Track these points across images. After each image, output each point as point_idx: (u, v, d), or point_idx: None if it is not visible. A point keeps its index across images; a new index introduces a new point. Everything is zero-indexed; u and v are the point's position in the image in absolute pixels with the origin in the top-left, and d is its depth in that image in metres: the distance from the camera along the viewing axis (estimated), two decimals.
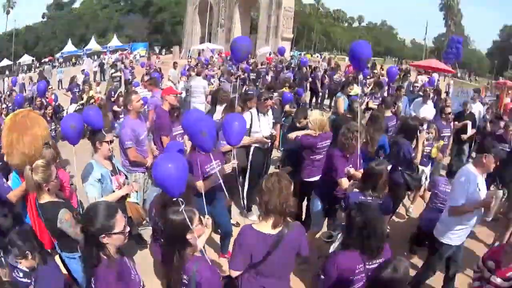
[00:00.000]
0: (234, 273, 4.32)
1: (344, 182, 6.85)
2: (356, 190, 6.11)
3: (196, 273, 3.90)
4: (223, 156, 7.13)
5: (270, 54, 43.60)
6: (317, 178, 7.82)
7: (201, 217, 4.71)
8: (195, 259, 4.08)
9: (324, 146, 7.86)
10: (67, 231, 5.08)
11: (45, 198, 5.26)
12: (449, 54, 27.36)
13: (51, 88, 20.59)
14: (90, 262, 3.73)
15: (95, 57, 61.39)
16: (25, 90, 32.42)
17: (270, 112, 9.48)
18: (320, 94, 23.53)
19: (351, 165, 7.02)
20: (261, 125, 9.07)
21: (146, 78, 19.78)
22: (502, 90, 19.81)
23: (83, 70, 33.53)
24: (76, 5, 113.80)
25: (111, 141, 6.67)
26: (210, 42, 63.09)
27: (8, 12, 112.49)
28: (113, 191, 6.47)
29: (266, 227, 4.20)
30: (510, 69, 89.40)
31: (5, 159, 6.92)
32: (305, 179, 8.08)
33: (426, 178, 9.17)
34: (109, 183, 6.47)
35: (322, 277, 4.44)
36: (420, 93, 16.73)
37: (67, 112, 17.21)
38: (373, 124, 8.68)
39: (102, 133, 6.52)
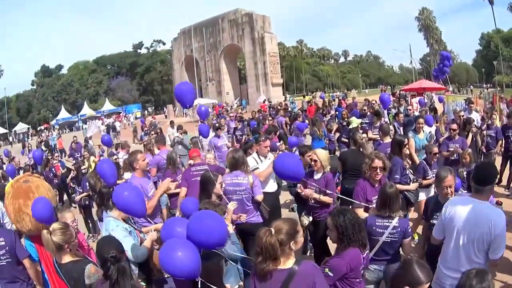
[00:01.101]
0: None
1: (360, 213, 6.87)
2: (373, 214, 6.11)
3: None
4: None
5: (264, 102, 44.28)
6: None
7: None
8: None
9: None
10: None
11: (66, 259, 5.22)
12: (438, 71, 27.64)
13: (57, 155, 20.73)
14: None
15: (96, 120, 61.87)
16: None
17: (270, 154, 9.45)
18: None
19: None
20: (263, 167, 9.08)
21: (145, 138, 20.02)
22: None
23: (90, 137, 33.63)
24: (64, 71, 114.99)
25: None
26: (202, 97, 63.75)
27: None
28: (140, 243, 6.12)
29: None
30: (496, 74, 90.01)
31: (14, 227, 6.90)
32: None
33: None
34: (135, 237, 6.20)
35: (331, 274, 4.67)
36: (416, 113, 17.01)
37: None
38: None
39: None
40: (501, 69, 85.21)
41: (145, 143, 16.53)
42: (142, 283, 5.49)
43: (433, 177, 9.18)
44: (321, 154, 7.81)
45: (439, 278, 5.18)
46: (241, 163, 8.03)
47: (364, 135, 12.46)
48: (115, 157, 15.22)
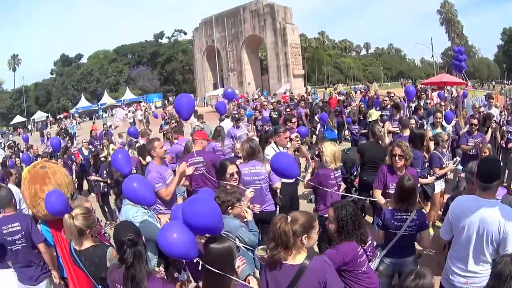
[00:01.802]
0: None
1: (376, 193, 7.38)
2: (390, 207, 6.12)
3: None
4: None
5: (285, 93, 44.11)
6: None
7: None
8: (240, 286, 4.13)
9: (338, 177, 7.79)
10: None
11: (86, 244, 5.22)
12: (455, 66, 27.53)
13: (85, 142, 20.83)
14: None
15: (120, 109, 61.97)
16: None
17: (289, 144, 9.30)
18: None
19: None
20: None
21: (165, 127, 20.00)
22: None
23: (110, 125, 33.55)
24: (83, 60, 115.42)
25: None
26: (223, 87, 62.80)
27: (14, 69, 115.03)
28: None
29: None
30: None
31: (30, 212, 6.92)
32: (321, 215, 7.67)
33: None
34: (155, 219, 6.40)
35: None
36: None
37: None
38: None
39: None
40: None
41: (164, 132, 16.50)
42: (161, 268, 5.49)
43: (447, 166, 9.50)
44: (328, 149, 7.69)
45: (447, 274, 5.13)
46: (257, 152, 8.12)
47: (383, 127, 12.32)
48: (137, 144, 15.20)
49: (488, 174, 4.76)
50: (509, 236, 4.53)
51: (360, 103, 21.07)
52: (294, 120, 12.21)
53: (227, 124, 15.94)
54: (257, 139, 10.82)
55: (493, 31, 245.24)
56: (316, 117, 20.49)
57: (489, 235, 4.62)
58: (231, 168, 7.03)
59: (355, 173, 10.60)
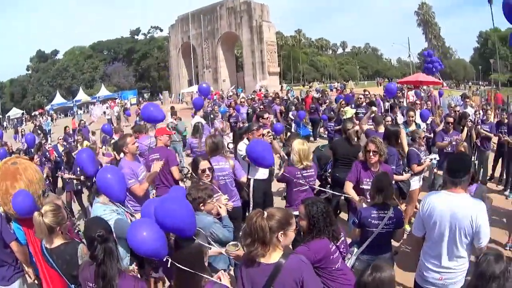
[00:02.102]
0: None
1: (348, 185, 7.36)
2: (365, 205, 6.18)
3: None
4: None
5: (260, 90, 44.30)
6: None
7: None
8: (211, 283, 4.05)
9: (307, 176, 7.62)
10: None
11: (57, 242, 5.12)
12: (428, 69, 27.89)
13: (61, 139, 20.55)
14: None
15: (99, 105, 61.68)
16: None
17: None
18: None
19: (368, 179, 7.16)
20: None
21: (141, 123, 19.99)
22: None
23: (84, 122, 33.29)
24: (59, 56, 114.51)
25: None
26: (198, 84, 62.95)
27: None
28: None
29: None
30: (493, 72, 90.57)
31: (0, 210, 6.74)
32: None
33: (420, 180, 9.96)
34: (125, 217, 6.30)
35: None
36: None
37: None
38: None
39: None
40: (498, 67, 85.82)
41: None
42: (134, 266, 5.43)
43: (424, 162, 9.69)
44: (295, 147, 7.59)
45: (421, 270, 5.14)
46: (221, 147, 8.23)
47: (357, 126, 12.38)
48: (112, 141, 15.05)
49: (456, 168, 4.81)
50: (482, 229, 4.58)
51: (341, 100, 21.18)
52: (266, 116, 12.30)
53: (198, 120, 15.84)
54: (231, 136, 10.92)
55: (469, 34, 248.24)
56: (290, 115, 20.61)
57: (461, 230, 4.66)
58: (203, 164, 6.91)
59: (329, 170, 10.63)
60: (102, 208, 6.02)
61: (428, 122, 14.09)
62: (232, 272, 5.86)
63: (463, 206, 4.66)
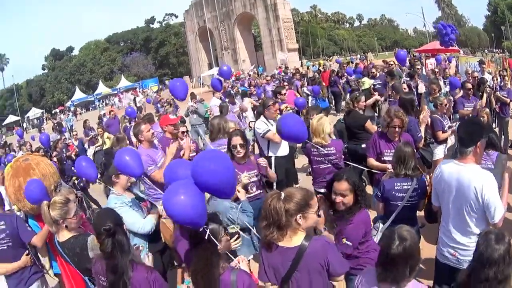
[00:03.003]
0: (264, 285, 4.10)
1: (371, 161, 7.36)
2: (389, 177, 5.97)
3: (237, 283, 3.72)
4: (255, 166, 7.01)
5: (280, 67, 44.92)
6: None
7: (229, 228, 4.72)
8: (229, 268, 3.88)
9: (326, 154, 7.37)
10: None
11: (65, 235, 5.13)
12: (444, 42, 27.49)
13: (75, 135, 20.61)
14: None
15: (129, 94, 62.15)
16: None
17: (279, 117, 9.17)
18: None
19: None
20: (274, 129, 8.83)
21: (161, 110, 20.06)
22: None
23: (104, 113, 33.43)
24: (75, 52, 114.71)
25: None
26: (218, 66, 63.04)
27: (2, 69, 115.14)
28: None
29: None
30: (505, 40, 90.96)
31: (15, 207, 6.80)
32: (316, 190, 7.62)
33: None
34: (140, 209, 6.22)
35: (350, 243, 4.63)
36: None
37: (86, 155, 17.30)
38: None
39: (114, 167, 6.16)
40: (509, 35, 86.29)
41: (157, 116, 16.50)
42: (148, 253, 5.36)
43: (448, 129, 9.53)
44: (312, 123, 7.44)
45: (439, 244, 5.06)
46: (222, 129, 8.27)
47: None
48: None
49: (464, 137, 4.64)
50: (491, 203, 4.37)
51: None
52: (284, 92, 12.31)
53: (216, 102, 16.15)
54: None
55: (480, 1, 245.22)
56: (305, 89, 20.44)
57: (467, 203, 4.52)
58: (235, 140, 6.75)
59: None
60: (114, 201, 5.94)
61: (447, 89, 13.90)
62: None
63: (467, 177, 4.50)
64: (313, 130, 7.29)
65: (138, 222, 5.87)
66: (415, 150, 6.24)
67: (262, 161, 6.89)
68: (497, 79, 15.91)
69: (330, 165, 7.33)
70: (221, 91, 15.28)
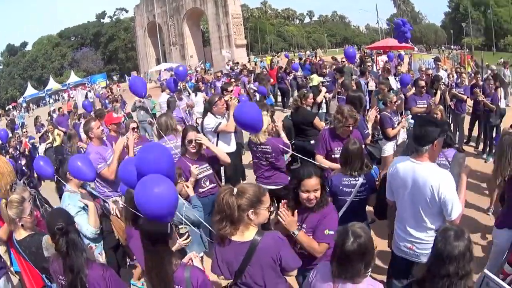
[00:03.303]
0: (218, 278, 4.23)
1: (318, 158, 7.23)
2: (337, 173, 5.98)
3: (191, 279, 3.76)
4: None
5: (227, 63, 44.94)
6: (272, 187, 7.37)
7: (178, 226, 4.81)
8: (182, 265, 3.90)
9: (262, 152, 7.46)
10: None
11: (22, 234, 5.16)
12: (400, 37, 27.87)
13: (26, 132, 20.30)
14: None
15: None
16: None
17: (227, 114, 9.49)
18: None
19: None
20: (224, 122, 9.28)
21: (109, 106, 19.86)
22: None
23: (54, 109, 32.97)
24: (29, 47, 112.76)
25: None
26: (165, 62, 63.99)
27: None
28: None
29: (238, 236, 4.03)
30: (465, 36, 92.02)
31: None
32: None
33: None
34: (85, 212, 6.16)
35: (332, 232, 4.50)
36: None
37: (37, 152, 17.01)
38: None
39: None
40: (470, 31, 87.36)
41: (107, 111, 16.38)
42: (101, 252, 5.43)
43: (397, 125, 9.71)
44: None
45: (394, 238, 5.17)
46: (170, 126, 8.32)
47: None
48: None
49: (419, 136, 4.65)
50: (448, 200, 4.45)
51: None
52: (230, 88, 12.23)
53: (165, 98, 16.00)
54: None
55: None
56: (252, 85, 20.45)
57: (423, 199, 4.59)
58: (190, 135, 6.78)
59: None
60: (68, 201, 6.02)
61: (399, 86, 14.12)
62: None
63: (423, 175, 4.58)
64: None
65: (85, 224, 5.94)
66: (363, 147, 6.30)
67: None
68: (453, 76, 16.20)
69: (267, 162, 7.46)
70: (175, 92, 15.33)
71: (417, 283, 3.67)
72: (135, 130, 9.04)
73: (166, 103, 14.64)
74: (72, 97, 50.98)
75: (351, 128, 7.01)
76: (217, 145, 8.89)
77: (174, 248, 4.22)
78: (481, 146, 13.35)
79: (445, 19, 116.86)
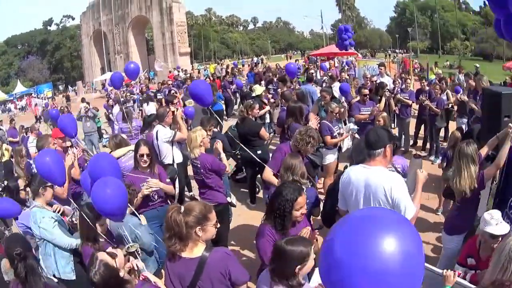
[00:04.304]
0: None
1: (267, 173, 7.18)
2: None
3: None
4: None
5: (170, 72, 45.80)
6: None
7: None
8: (139, 285, 4.01)
9: (196, 167, 7.51)
10: None
11: None
12: (341, 45, 28.21)
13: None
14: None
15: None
16: None
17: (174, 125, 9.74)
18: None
19: None
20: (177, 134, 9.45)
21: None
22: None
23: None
24: None
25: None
26: (110, 71, 63.05)
27: None
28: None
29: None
30: (410, 40, 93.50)
31: None
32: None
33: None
34: (64, 223, 6.29)
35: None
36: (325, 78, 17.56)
37: None
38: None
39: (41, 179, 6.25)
40: (416, 35, 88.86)
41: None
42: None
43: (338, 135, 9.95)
44: (189, 137, 7.52)
45: None
46: (124, 144, 8.52)
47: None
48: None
49: (371, 141, 4.82)
50: (401, 202, 4.55)
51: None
52: (176, 101, 12.49)
53: (117, 109, 16.45)
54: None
55: (385, 4, 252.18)
56: None
57: (376, 202, 4.68)
58: (142, 149, 6.99)
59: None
60: (41, 215, 5.98)
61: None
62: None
63: (375, 178, 4.70)
64: (187, 143, 7.58)
65: (66, 238, 5.96)
66: (301, 159, 6.29)
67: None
68: (398, 82, 16.36)
69: (200, 178, 7.50)
70: (119, 88, 15.20)
71: None
72: (70, 148, 9.01)
73: (120, 114, 14.64)
74: (36, 104, 50.09)
75: (313, 147, 7.10)
76: (172, 154, 9.37)
77: (126, 266, 4.25)
78: (428, 149, 13.91)
79: (390, 23, 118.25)
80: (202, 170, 7.35)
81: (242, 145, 8.98)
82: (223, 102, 21.34)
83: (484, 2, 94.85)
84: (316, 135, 7.08)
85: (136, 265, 4.49)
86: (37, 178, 6.34)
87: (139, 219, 5.94)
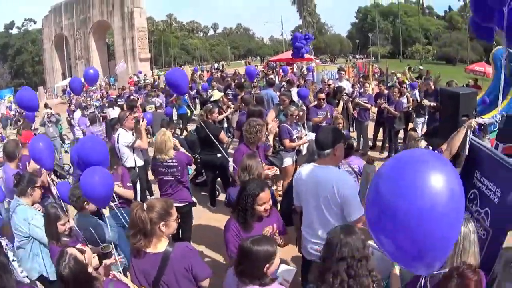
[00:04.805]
0: None
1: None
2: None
3: None
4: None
5: (130, 78, 46.01)
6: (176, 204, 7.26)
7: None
8: (106, 282, 3.96)
9: (169, 167, 7.52)
10: None
11: None
12: (297, 54, 28.37)
13: None
14: None
15: None
16: None
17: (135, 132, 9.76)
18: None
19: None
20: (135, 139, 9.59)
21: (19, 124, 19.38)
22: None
23: None
24: None
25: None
26: (71, 76, 61.12)
27: None
28: None
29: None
30: (371, 46, 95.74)
31: None
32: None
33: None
34: None
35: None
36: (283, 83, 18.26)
37: None
38: None
39: (33, 178, 6.28)
40: (377, 40, 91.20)
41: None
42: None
43: (299, 138, 10.11)
44: (160, 141, 7.46)
45: (303, 242, 5.35)
46: None
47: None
48: None
49: (321, 142, 4.99)
50: (349, 201, 4.71)
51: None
52: (137, 105, 12.58)
53: (78, 114, 16.91)
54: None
55: (347, 11, 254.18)
56: (155, 100, 20.35)
57: (326, 198, 4.82)
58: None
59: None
60: (33, 212, 6.01)
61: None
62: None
63: (325, 176, 4.85)
64: (156, 147, 7.50)
65: None
66: (258, 160, 6.26)
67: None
68: (357, 86, 16.45)
69: (173, 177, 7.54)
70: (79, 94, 15.12)
71: (317, 278, 3.68)
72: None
73: (83, 119, 14.58)
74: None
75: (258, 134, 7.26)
76: (134, 158, 9.58)
77: (100, 269, 4.41)
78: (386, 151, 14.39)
79: (352, 29, 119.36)
80: (179, 168, 7.48)
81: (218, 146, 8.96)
82: (186, 105, 21.39)
83: (449, 6, 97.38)
84: (260, 121, 7.43)
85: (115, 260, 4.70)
86: (25, 178, 6.27)
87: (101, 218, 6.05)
